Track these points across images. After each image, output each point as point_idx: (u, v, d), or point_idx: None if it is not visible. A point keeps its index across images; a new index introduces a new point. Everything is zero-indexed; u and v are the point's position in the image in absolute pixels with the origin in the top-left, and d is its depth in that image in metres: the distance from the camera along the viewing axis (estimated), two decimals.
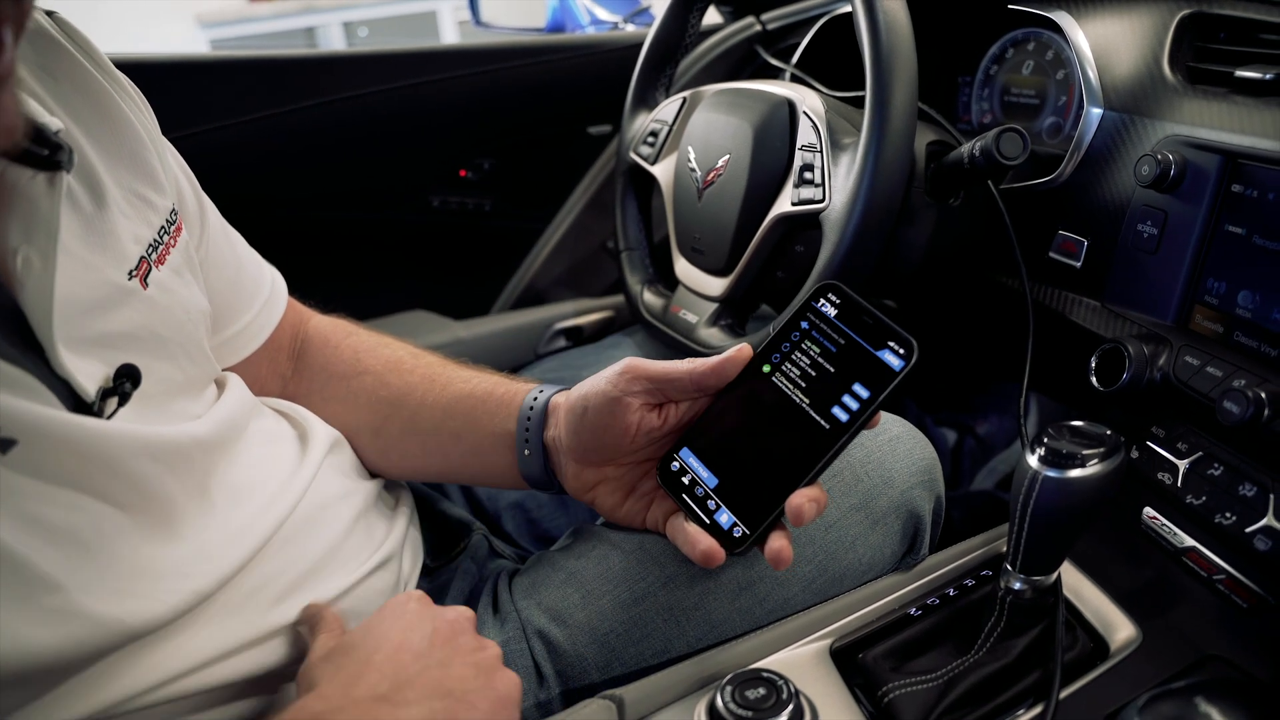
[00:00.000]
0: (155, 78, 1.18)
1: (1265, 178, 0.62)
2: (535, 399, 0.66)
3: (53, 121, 0.46)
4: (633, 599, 0.63)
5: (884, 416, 0.75)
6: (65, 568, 0.42)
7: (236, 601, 0.52)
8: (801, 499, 0.53)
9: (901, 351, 0.52)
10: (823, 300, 0.58)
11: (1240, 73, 0.67)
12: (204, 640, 0.49)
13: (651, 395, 0.60)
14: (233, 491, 0.56)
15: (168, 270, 0.55)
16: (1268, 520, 0.59)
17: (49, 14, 0.53)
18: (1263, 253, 0.62)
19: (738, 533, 0.55)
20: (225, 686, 0.51)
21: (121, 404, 0.48)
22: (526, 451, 0.66)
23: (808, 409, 0.55)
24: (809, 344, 0.57)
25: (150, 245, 0.54)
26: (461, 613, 0.54)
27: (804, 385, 0.56)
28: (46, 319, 0.44)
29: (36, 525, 0.42)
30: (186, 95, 1.21)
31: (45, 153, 0.44)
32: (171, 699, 0.48)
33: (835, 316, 0.57)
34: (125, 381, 0.48)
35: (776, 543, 0.54)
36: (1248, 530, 0.60)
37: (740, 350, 0.59)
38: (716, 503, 0.57)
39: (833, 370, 0.55)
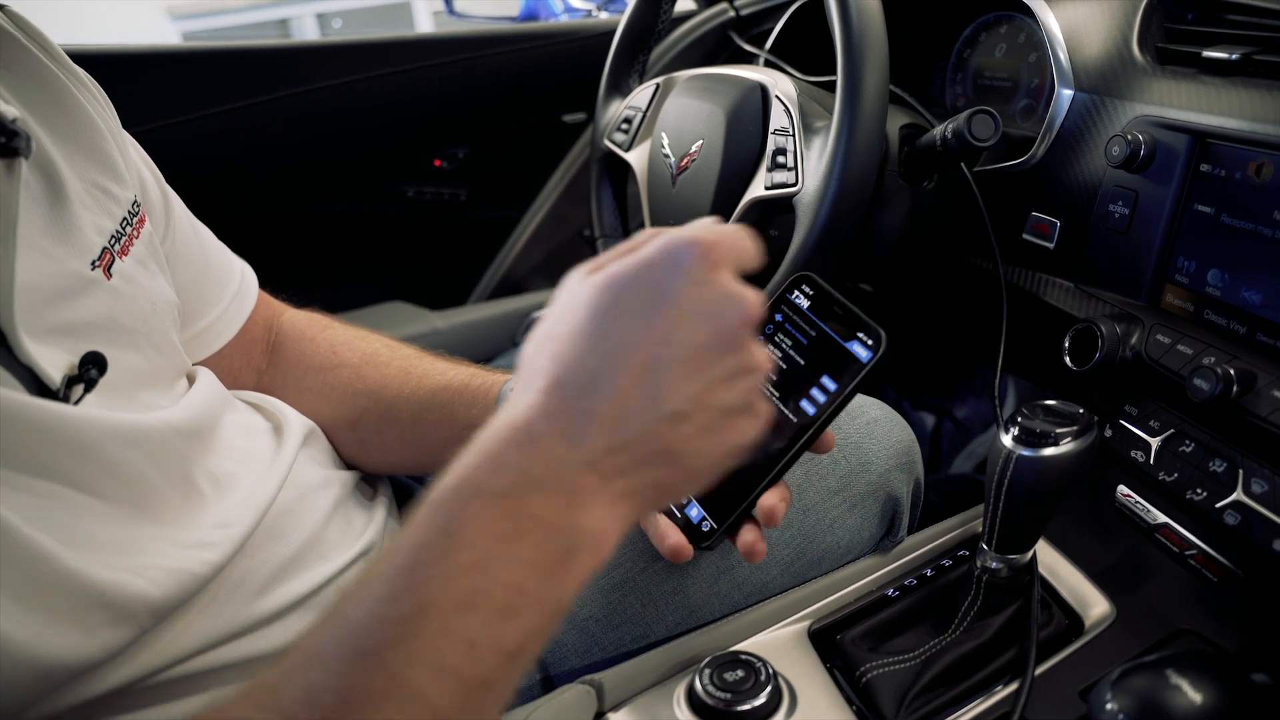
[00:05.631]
0: (123, 70, 1.17)
1: (1233, 157, 0.62)
2: (511, 389, 0.66)
3: (9, 110, 0.45)
4: (611, 585, 0.63)
5: (862, 400, 0.75)
6: (51, 536, 0.41)
7: (221, 594, 0.51)
8: (774, 499, 0.52)
9: (869, 342, 0.51)
10: (796, 292, 0.57)
11: (1208, 53, 0.68)
12: (185, 634, 0.49)
13: None
14: (215, 481, 0.55)
15: (131, 261, 0.54)
16: (1237, 495, 0.60)
17: (0, 8, 0.52)
18: (1231, 231, 0.62)
19: (706, 527, 0.55)
20: (207, 676, 0.50)
21: (88, 390, 0.47)
22: None
23: (777, 402, 0.55)
24: (782, 336, 0.56)
25: (113, 236, 0.53)
26: (739, 309, 0.40)
27: (775, 378, 0.55)
28: (7, 307, 0.43)
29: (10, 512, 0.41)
30: (155, 87, 1.19)
31: (2, 140, 0.44)
32: (153, 688, 0.47)
33: (808, 308, 0.56)
34: (91, 368, 0.48)
35: (749, 536, 0.53)
36: (1218, 505, 0.60)
37: None
38: (687, 497, 0.57)
39: (803, 363, 0.54)
